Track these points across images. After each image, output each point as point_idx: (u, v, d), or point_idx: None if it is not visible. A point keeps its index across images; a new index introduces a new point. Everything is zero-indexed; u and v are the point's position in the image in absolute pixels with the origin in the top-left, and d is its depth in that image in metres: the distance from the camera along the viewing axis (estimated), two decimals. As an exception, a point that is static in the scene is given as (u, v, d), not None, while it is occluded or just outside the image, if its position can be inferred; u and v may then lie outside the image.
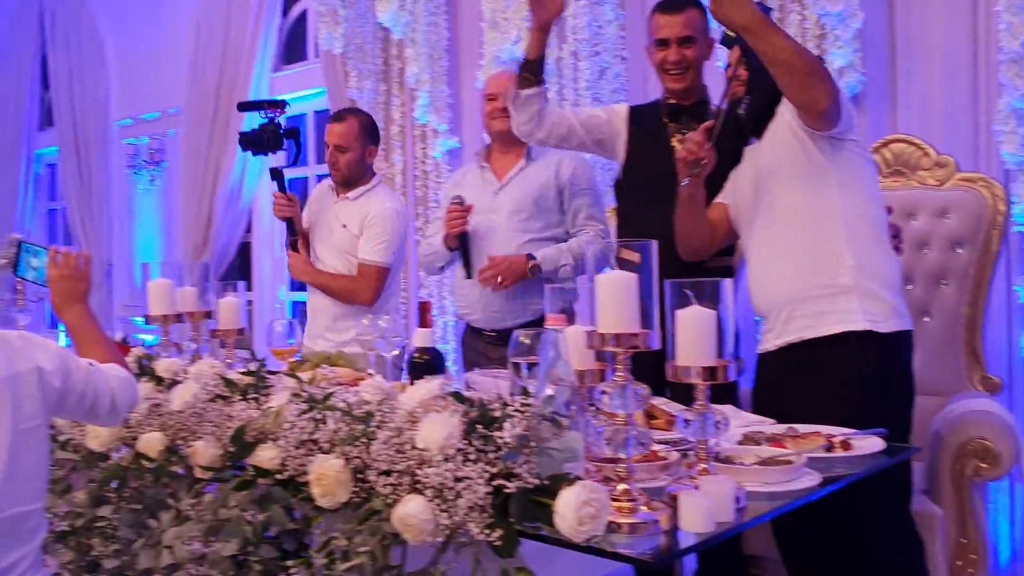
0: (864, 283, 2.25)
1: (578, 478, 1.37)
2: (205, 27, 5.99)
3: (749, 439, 1.91)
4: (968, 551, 2.38)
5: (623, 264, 2.75)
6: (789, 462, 1.68)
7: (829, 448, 1.85)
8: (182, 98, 6.23)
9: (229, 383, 1.84)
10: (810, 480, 1.63)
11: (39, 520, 1.59)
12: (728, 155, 2.48)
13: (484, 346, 3.15)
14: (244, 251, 6.23)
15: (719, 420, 1.52)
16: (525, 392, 1.48)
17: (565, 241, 3.12)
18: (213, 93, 5.92)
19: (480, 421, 1.44)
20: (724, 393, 2.50)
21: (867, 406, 2.10)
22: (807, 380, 2.24)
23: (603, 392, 1.42)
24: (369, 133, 3.53)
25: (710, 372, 1.49)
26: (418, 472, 1.41)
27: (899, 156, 3.03)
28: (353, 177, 3.50)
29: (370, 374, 2.17)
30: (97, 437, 2.01)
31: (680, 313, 1.51)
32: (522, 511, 1.35)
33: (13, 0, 8.02)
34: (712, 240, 2.55)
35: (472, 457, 1.39)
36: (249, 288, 6.25)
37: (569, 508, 1.31)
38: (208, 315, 2.46)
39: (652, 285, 1.45)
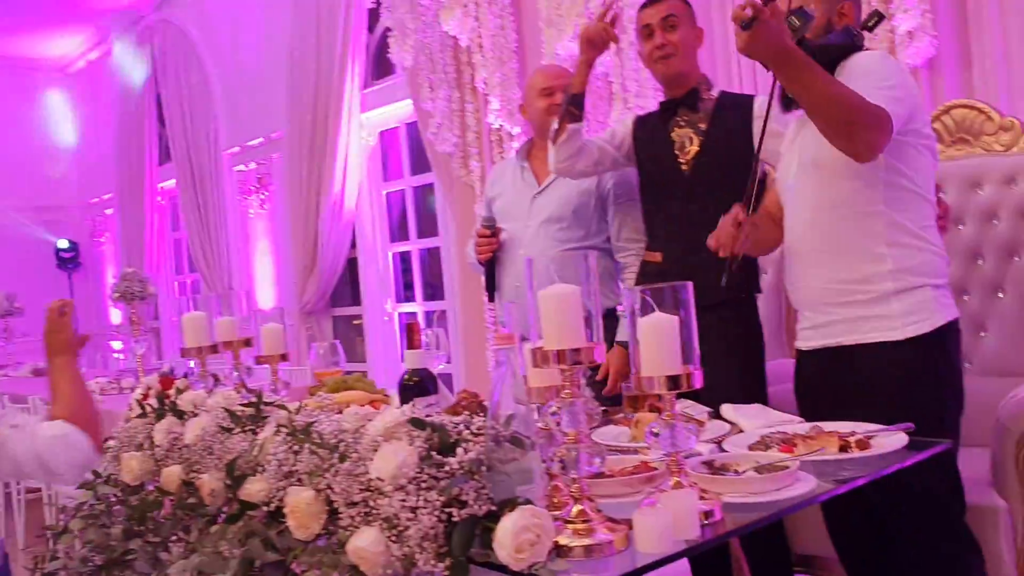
0: (904, 284, 2.09)
1: (528, 502, 1.33)
2: (298, 51, 6.18)
3: (762, 442, 1.82)
4: (1037, 547, 2.20)
5: (646, 265, 2.72)
6: (785, 467, 1.59)
7: (844, 448, 1.73)
8: (282, 123, 6.44)
9: (232, 415, 1.88)
10: (801, 488, 1.54)
11: None
12: None
13: None
14: (352, 266, 6.40)
15: (689, 430, 1.45)
16: (483, 413, 1.45)
17: (606, 251, 2.98)
18: (310, 114, 6.11)
19: (439, 447, 1.42)
20: (754, 393, 2.41)
21: (913, 408, 1.96)
22: (847, 385, 2.12)
23: (552, 410, 1.38)
24: None
25: (674, 381, 1.43)
26: (373, 503, 1.41)
27: (961, 123, 2.82)
28: None
29: (386, 396, 2.19)
30: (130, 471, 2.09)
31: (641, 322, 1.45)
32: (465, 540, 1.32)
33: (127, 44, 8.48)
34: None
35: (424, 486, 1.37)
36: (357, 302, 6.42)
37: (507, 535, 1.27)
38: (247, 343, 2.52)
39: (594, 297, 1.40)
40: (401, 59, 5.01)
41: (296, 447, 1.62)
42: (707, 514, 1.41)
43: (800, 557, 2.63)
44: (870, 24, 2.15)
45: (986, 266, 2.73)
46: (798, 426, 1.94)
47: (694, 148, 2.65)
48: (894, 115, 1.99)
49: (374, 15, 5.81)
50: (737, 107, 2.68)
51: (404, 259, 6.20)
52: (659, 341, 1.43)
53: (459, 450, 1.38)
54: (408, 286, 6.27)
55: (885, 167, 2.08)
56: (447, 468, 1.37)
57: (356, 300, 6.50)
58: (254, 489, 1.67)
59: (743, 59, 3.64)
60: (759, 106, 2.61)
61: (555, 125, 2.76)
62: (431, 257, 5.99)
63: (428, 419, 1.47)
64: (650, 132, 2.77)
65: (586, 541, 1.33)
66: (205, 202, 7.57)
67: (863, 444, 1.74)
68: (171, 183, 8.22)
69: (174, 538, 1.85)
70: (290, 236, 6.50)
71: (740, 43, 1.94)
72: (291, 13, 6.22)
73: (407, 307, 6.17)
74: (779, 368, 2.72)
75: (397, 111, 5.84)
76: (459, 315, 5.15)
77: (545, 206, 3.04)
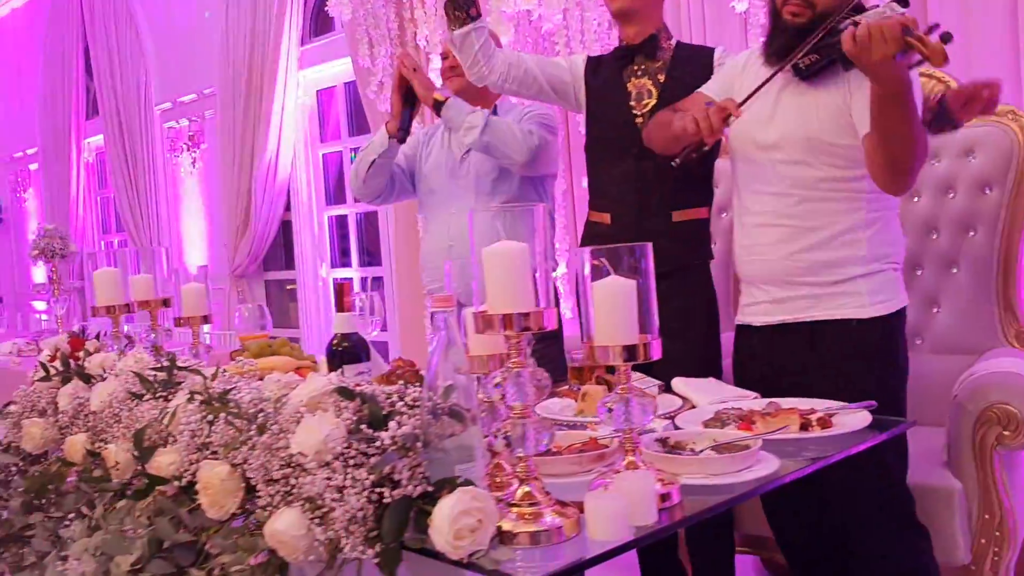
0: (874, 269, 2.03)
1: (467, 482, 1.19)
2: (234, 3, 5.91)
3: (717, 418, 1.71)
4: (992, 528, 2.12)
5: (592, 227, 2.58)
6: (746, 447, 1.47)
7: (805, 426, 1.63)
8: (216, 78, 6.19)
9: (143, 380, 1.71)
10: (764, 468, 1.43)
11: None
12: None
13: None
14: (286, 229, 6.20)
15: (646, 405, 1.32)
16: (420, 383, 1.31)
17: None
18: (245, 70, 5.89)
19: (369, 420, 1.28)
20: (710, 366, 2.31)
21: (865, 388, 1.86)
22: (800, 360, 2.03)
23: (495, 382, 1.25)
24: None
25: (631, 351, 1.30)
26: (294, 481, 1.26)
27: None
28: None
29: (315, 363, 2.04)
30: (32, 439, 1.92)
31: (596, 285, 1.32)
32: (398, 523, 1.18)
33: (53, -7, 8.08)
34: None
35: (353, 463, 1.23)
36: (292, 266, 6.22)
37: (445, 520, 1.13)
38: (166, 303, 2.34)
39: (545, 255, 1.26)
40: (339, 13, 4.79)
41: (211, 417, 1.47)
42: (663, 497, 1.29)
43: (745, 537, 2.55)
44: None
45: (940, 240, 2.66)
46: (753, 402, 1.83)
47: (651, 101, 2.46)
48: None
49: (314, -32, 5.59)
50: (696, 59, 2.51)
51: (340, 223, 6.00)
52: (615, 308, 1.30)
53: (391, 424, 1.24)
54: (344, 251, 6.08)
55: None
56: (378, 443, 1.23)
57: (289, 264, 6.30)
58: (164, 462, 1.51)
59: (694, 17, 3.51)
60: (719, 58, 2.48)
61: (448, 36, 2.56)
62: (368, 221, 5.81)
63: (358, 388, 1.33)
64: (603, 80, 2.56)
65: (532, 527, 1.20)
66: (134, 159, 7.27)
67: (825, 422, 1.63)
68: (99, 139, 7.87)
69: (77, 514, 1.67)
70: (222, 196, 6.27)
71: (881, 55, 1.75)
72: (227, -38, 5.96)
73: (342, 272, 5.99)
74: (729, 341, 2.61)
75: (335, 70, 5.63)
76: (396, 281, 5.00)
77: (475, 163, 2.85)
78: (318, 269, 6.09)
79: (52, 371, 1.98)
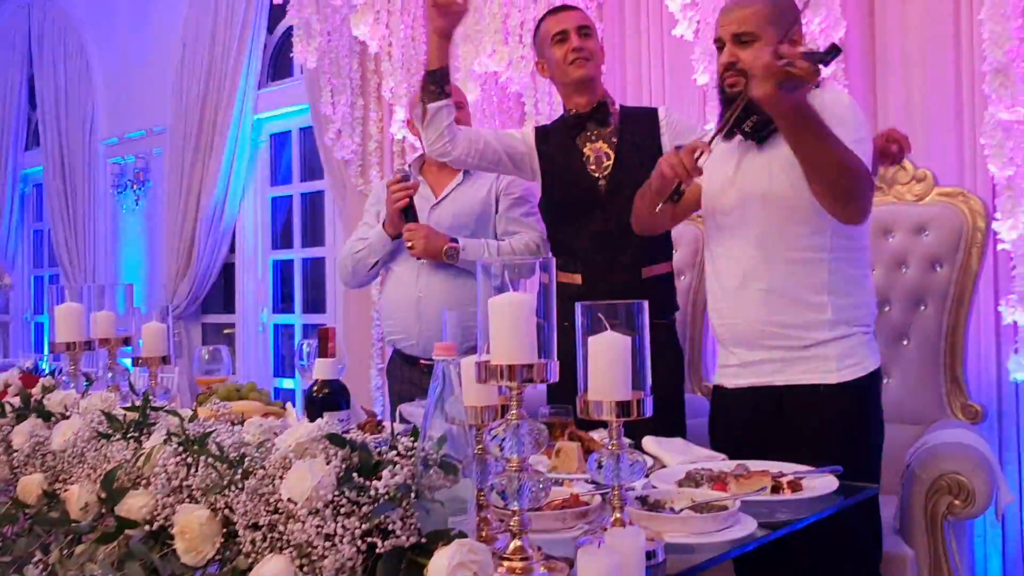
0: (839, 333, 2.06)
1: (461, 534, 1.19)
2: (191, 43, 5.91)
3: (690, 478, 1.73)
4: (943, 597, 2.18)
5: (563, 288, 2.61)
6: (724, 507, 1.49)
7: (776, 489, 1.66)
8: (167, 116, 6.12)
9: (112, 419, 1.67)
10: (743, 529, 1.45)
11: None
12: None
13: (420, 377, 2.85)
14: (228, 272, 6.11)
15: (635, 462, 1.33)
16: (414, 433, 1.31)
17: None
18: (197, 111, 5.85)
19: (359, 468, 1.27)
20: (674, 425, 2.34)
21: (835, 453, 1.88)
22: (770, 425, 2.06)
23: (492, 433, 1.25)
24: None
25: (624, 408, 1.31)
26: (282, 528, 1.24)
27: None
28: None
29: (283, 408, 2.01)
30: (-17, 477, 1.85)
31: (592, 340, 1.33)
32: (391, 573, 1.17)
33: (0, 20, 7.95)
34: (673, 219, 2.36)
35: (343, 511, 1.21)
36: (231, 310, 6.12)
37: (442, 572, 1.12)
38: (126, 341, 2.29)
39: (551, 308, 1.27)
40: (304, 60, 4.80)
41: (190, 459, 1.43)
42: (649, 555, 1.30)
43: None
44: (827, 58, 2.02)
45: (892, 313, 2.74)
46: (723, 464, 1.85)
47: (610, 163, 2.57)
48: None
49: (276, 15, 5.58)
50: (643, 120, 2.64)
51: (285, 268, 5.94)
52: (610, 363, 1.31)
53: (384, 472, 1.23)
54: (287, 296, 6.01)
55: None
56: (370, 492, 1.21)
57: (228, 308, 6.20)
58: (135, 505, 1.47)
59: (655, 88, 3.61)
60: (663, 115, 2.62)
61: (417, 109, 2.61)
62: (314, 268, 5.77)
63: (347, 436, 1.32)
64: (558, 146, 2.65)
65: (522, 581, 1.20)
66: (74, 193, 7.12)
67: (795, 485, 1.66)
68: (38, 170, 7.70)
69: (29, 558, 1.61)
70: (165, 236, 6.17)
71: (761, 92, 1.85)
72: (187, 3, 5.93)
73: (284, 318, 5.92)
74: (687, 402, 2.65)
75: (292, 114, 5.63)
76: (342, 329, 4.95)
77: (446, 216, 2.92)
78: (259, 314, 6.00)
79: (8, 408, 1.91)
